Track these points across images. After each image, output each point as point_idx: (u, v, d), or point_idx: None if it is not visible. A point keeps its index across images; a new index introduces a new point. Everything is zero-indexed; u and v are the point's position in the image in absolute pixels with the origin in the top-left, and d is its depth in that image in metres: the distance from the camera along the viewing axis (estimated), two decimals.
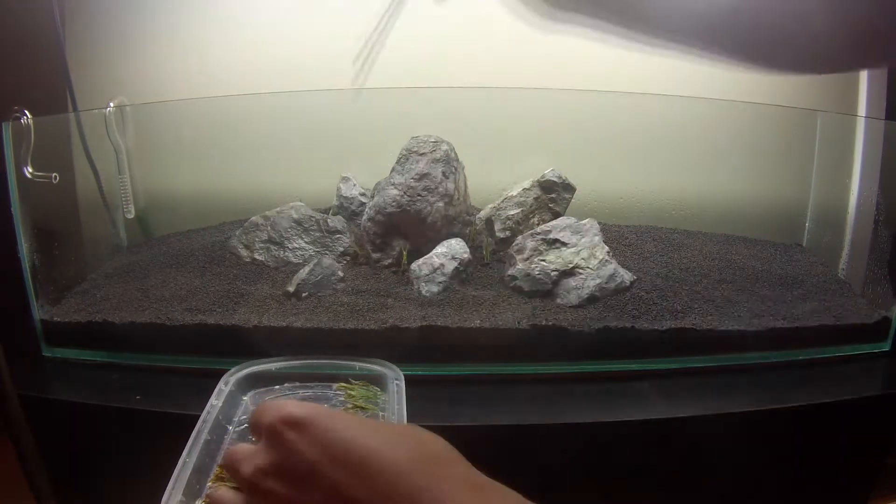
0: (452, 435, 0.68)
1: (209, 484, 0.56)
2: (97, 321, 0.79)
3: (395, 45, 1.07)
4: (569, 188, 0.94)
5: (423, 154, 0.91)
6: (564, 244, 0.84)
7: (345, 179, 1.01)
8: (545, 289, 0.82)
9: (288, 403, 0.41)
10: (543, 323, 0.77)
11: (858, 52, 0.72)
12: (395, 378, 0.69)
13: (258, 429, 0.42)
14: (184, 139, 1.04)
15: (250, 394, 0.70)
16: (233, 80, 1.08)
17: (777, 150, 1.04)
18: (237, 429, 0.65)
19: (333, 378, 0.72)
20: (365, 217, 0.94)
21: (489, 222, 0.93)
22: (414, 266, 0.85)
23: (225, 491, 0.45)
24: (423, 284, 0.83)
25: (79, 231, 0.99)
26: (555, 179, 0.94)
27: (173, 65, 1.09)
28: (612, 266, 0.83)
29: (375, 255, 0.91)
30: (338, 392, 0.71)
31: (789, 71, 0.78)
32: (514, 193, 0.94)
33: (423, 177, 0.89)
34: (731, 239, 1.03)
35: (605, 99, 0.97)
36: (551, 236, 0.85)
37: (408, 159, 0.91)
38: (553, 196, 0.94)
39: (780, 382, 0.78)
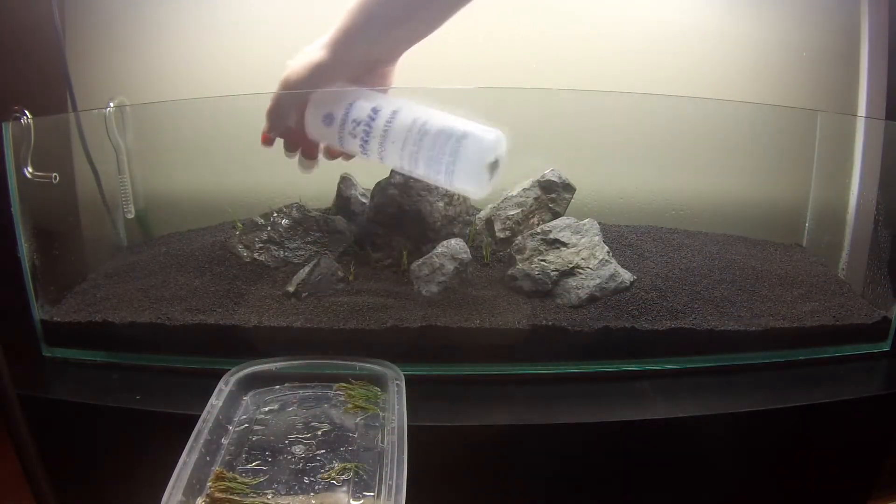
0: (452, 435, 0.68)
1: (209, 484, 0.56)
2: (97, 321, 0.79)
3: None
4: (569, 188, 0.94)
5: None
6: (564, 244, 0.84)
7: (345, 179, 1.01)
8: (545, 289, 0.82)
9: None
10: (543, 323, 0.77)
11: None
12: (396, 378, 0.69)
13: None
14: (184, 139, 1.04)
15: (250, 394, 0.70)
16: (232, 80, 1.08)
17: (777, 150, 1.04)
18: (237, 429, 0.65)
19: (333, 378, 0.72)
20: (365, 217, 0.94)
21: (489, 222, 0.93)
22: (414, 266, 0.85)
23: None
24: (423, 284, 0.83)
25: (79, 231, 0.99)
26: (555, 179, 0.94)
27: (173, 65, 1.09)
28: (612, 266, 0.83)
29: (375, 255, 0.91)
30: (338, 392, 0.71)
31: None
32: (514, 193, 0.94)
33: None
34: (731, 239, 1.03)
35: (606, 99, 0.97)
36: (551, 236, 0.85)
37: None
38: (553, 196, 0.94)
39: (780, 382, 0.78)
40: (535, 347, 0.77)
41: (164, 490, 0.53)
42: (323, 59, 0.72)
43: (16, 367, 0.64)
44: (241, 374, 0.70)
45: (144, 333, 0.78)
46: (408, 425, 0.62)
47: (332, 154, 0.80)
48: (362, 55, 0.74)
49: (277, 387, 0.72)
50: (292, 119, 0.76)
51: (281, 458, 0.61)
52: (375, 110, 0.70)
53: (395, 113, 0.70)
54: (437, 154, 0.67)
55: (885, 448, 0.77)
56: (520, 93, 0.95)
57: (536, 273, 0.83)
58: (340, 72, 0.73)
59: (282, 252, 0.92)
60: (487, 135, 0.67)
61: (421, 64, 1.07)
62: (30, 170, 0.81)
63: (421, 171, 0.70)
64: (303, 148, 0.80)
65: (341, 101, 0.72)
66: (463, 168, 0.67)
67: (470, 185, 0.68)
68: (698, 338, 0.78)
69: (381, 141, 0.70)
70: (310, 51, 0.73)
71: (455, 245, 0.86)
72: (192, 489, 0.55)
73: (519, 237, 0.88)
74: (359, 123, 0.71)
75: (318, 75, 0.72)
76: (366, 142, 0.71)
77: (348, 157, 0.79)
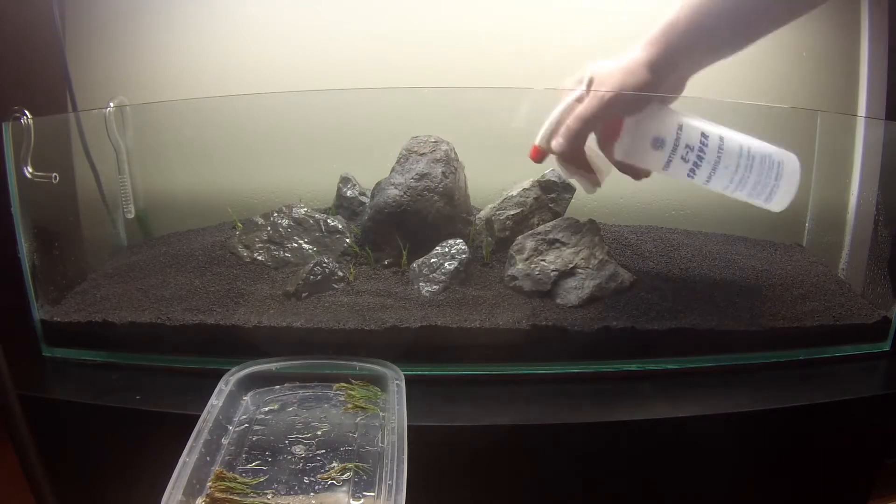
0: (452, 435, 0.68)
1: (209, 484, 0.56)
2: (97, 321, 0.79)
3: (395, 46, 1.07)
4: (569, 188, 0.94)
5: (423, 154, 0.91)
6: (564, 244, 0.84)
7: (345, 179, 1.01)
8: (545, 289, 0.82)
9: None
10: (543, 323, 0.77)
11: None
12: (396, 378, 0.69)
13: None
14: (184, 139, 1.04)
15: (250, 394, 0.70)
16: (232, 80, 1.08)
17: None
18: (237, 429, 0.65)
19: (333, 378, 0.72)
20: (365, 217, 0.94)
21: (489, 222, 0.93)
22: (414, 266, 0.85)
23: None
24: (423, 284, 0.83)
25: (79, 231, 0.99)
26: (555, 179, 0.94)
27: (173, 65, 1.09)
28: (612, 266, 0.83)
29: (375, 255, 0.91)
30: (338, 392, 0.71)
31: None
32: (514, 193, 0.94)
33: (423, 177, 0.89)
34: (731, 239, 1.03)
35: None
36: (551, 236, 0.85)
37: (408, 159, 0.91)
38: (553, 196, 0.94)
39: (779, 382, 0.78)
40: (535, 347, 0.77)
41: (164, 490, 0.53)
42: (648, 80, 0.69)
43: (16, 367, 0.64)
44: (241, 374, 0.70)
45: (144, 333, 0.78)
46: (408, 425, 0.62)
47: (635, 175, 0.76)
48: (678, 71, 0.72)
49: (277, 387, 0.72)
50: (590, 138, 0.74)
51: (281, 458, 0.61)
52: (705, 135, 0.71)
53: (722, 139, 0.71)
54: (766, 178, 0.72)
55: (885, 448, 0.77)
56: (520, 92, 0.95)
57: (536, 273, 0.83)
58: (658, 91, 0.71)
59: (282, 252, 0.92)
60: (793, 156, 0.72)
61: (420, 64, 1.07)
62: (30, 170, 0.81)
63: (744, 193, 0.73)
64: (585, 167, 0.75)
65: (670, 125, 0.72)
66: (785, 189, 0.72)
67: (784, 203, 0.73)
68: (698, 338, 0.78)
69: (713, 167, 0.72)
70: (626, 68, 0.70)
71: (455, 245, 0.86)
72: (192, 489, 0.55)
73: (519, 237, 0.88)
74: (692, 149, 0.71)
75: (640, 98, 0.69)
76: (697, 166, 0.72)
77: (646, 175, 0.76)
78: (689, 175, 0.73)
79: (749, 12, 0.69)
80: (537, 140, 0.75)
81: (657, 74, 0.70)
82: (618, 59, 0.72)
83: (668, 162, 0.73)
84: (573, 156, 0.74)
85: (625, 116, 0.72)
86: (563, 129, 0.72)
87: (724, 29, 0.70)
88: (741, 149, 0.71)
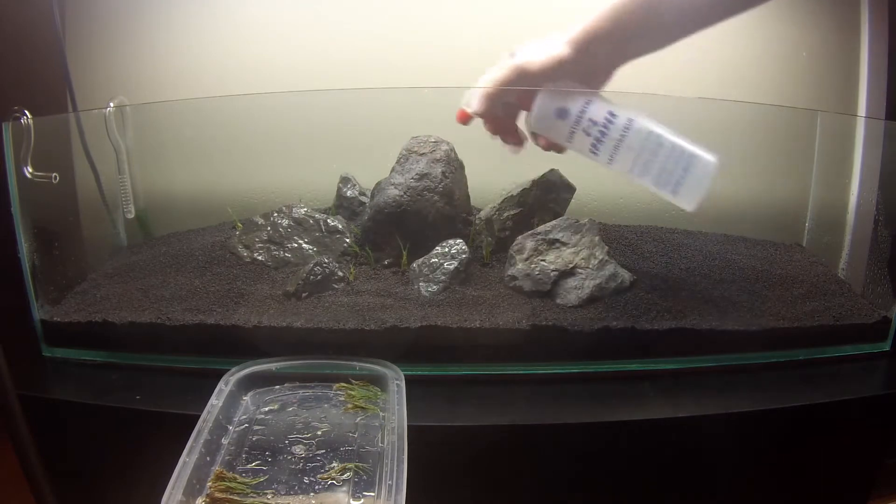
0: (452, 435, 0.68)
1: (209, 484, 0.56)
2: (97, 321, 0.79)
3: (395, 46, 1.07)
4: (569, 188, 0.94)
5: (423, 154, 0.91)
6: (564, 244, 0.84)
7: (345, 179, 1.01)
8: (545, 289, 0.82)
9: None
10: (543, 323, 0.77)
11: None
12: (396, 378, 0.69)
13: None
14: (184, 139, 1.04)
15: (250, 394, 0.70)
16: (232, 80, 1.08)
17: (777, 150, 1.04)
18: (237, 429, 0.65)
19: (333, 378, 0.72)
20: (365, 217, 0.94)
21: (489, 222, 0.93)
22: (414, 266, 0.85)
23: None
24: (423, 284, 0.83)
25: (79, 231, 0.99)
26: (555, 179, 0.94)
27: (173, 65, 1.09)
28: (612, 266, 0.83)
29: (375, 255, 0.91)
30: (338, 392, 0.71)
31: None
32: (515, 193, 0.94)
33: (423, 177, 0.89)
34: (731, 239, 1.03)
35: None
36: (551, 236, 0.85)
37: (408, 159, 0.91)
38: (553, 196, 0.94)
39: (779, 382, 0.78)
40: (536, 347, 0.77)
41: (164, 490, 0.53)
42: (567, 55, 0.73)
43: (16, 367, 0.64)
44: (241, 374, 0.70)
45: (144, 333, 0.78)
46: (408, 425, 0.62)
47: (546, 145, 0.79)
48: (601, 59, 0.75)
49: (277, 387, 0.72)
50: (508, 105, 0.77)
51: (281, 458, 0.61)
52: (613, 114, 0.72)
53: (630, 121, 0.72)
54: (672, 167, 0.71)
55: (885, 448, 0.77)
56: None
57: (536, 273, 0.83)
58: (576, 71, 0.74)
59: (282, 252, 0.92)
60: (712, 157, 0.71)
61: (420, 64, 1.07)
62: (30, 170, 0.81)
63: (649, 179, 0.72)
64: (506, 135, 0.80)
65: (578, 99, 0.73)
66: (691, 183, 0.71)
67: (691, 199, 0.72)
68: (698, 338, 0.78)
69: (615, 145, 0.72)
70: (549, 44, 0.74)
71: (455, 245, 0.86)
72: (192, 489, 0.55)
73: (519, 237, 0.88)
74: (595, 124, 0.72)
75: (558, 70, 0.73)
76: (599, 142, 0.72)
77: (559, 149, 0.79)
78: (591, 151, 0.73)
79: (663, 9, 0.72)
80: (462, 103, 0.78)
81: (576, 51, 0.73)
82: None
83: (572, 134, 0.73)
84: (491, 118, 0.78)
85: (538, 87, 0.74)
86: (479, 92, 0.76)
87: (636, 22, 0.73)
88: (649, 133, 0.72)
